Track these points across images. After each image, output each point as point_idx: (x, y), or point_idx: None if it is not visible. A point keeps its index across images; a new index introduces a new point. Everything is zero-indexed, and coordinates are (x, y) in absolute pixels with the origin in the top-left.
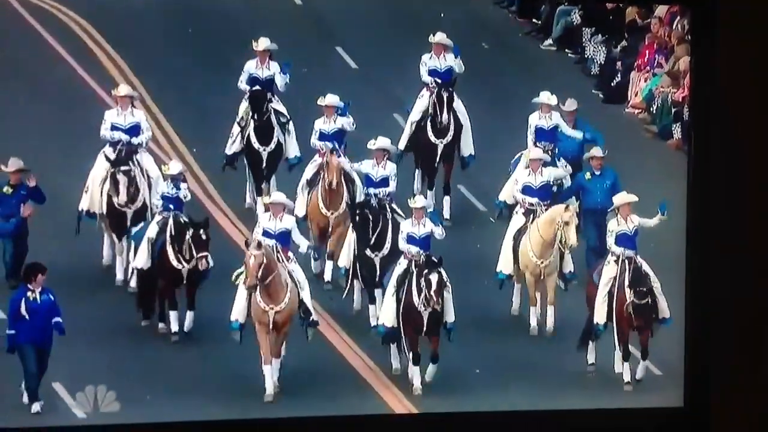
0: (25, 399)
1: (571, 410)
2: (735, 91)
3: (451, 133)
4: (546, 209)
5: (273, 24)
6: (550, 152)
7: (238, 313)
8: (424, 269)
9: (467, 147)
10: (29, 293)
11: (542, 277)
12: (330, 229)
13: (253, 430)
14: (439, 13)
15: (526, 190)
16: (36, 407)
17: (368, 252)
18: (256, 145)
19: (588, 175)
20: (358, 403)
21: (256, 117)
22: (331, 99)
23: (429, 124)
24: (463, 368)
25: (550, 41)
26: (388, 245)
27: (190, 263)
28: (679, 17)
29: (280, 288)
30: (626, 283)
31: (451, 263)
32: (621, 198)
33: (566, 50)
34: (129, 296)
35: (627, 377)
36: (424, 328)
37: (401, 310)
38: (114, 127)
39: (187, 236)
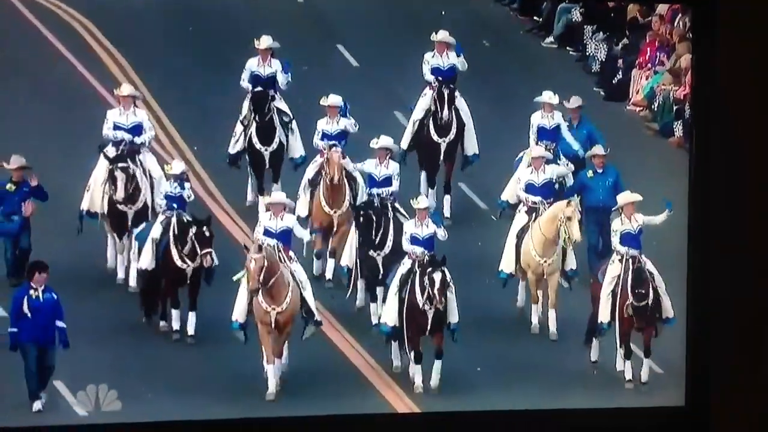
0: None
1: (572, 409)
2: (735, 91)
3: (453, 131)
4: (548, 207)
5: (274, 22)
6: (551, 151)
7: (238, 313)
8: (427, 268)
9: (471, 146)
10: (32, 291)
11: (544, 276)
12: (334, 228)
13: (254, 430)
14: (440, 11)
15: (529, 188)
16: (37, 405)
17: (370, 251)
18: (257, 145)
19: (590, 173)
20: (360, 402)
21: (257, 118)
22: (334, 99)
23: (431, 122)
24: (464, 367)
25: (551, 39)
26: (389, 245)
27: (194, 262)
28: (680, 15)
29: (282, 288)
30: (629, 283)
31: (452, 262)
32: (625, 197)
33: (567, 48)
34: (130, 295)
35: (628, 375)
36: (428, 328)
37: (404, 310)
38: (116, 127)
39: (191, 233)
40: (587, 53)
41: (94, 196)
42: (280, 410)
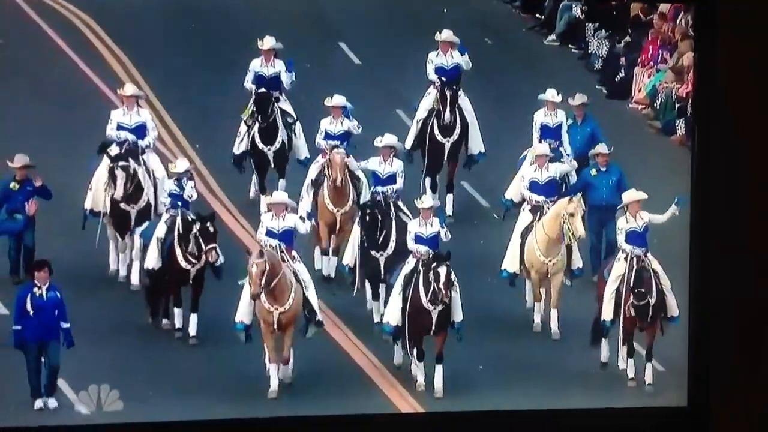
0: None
1: (574, 409)
2: (735, 91)
3: (457, 131)
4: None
5: (276, 20)
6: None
7: (243, 314)
8: (432, 263)
9: (476, 145)
10: (35, 289)
11: (548, 276)
12: (338, 227)
13: (257, 430)
14: (442, 9)
15: (533, 185)
16: (39, 404)
17: (372, 252)
18: (260, 145)
19: (593, 172)
20: (363, 401)
21: (260, 118)
22: (339, 100)
23: (435, 122)
24: (467, 367)
25: (553, 37)
26: (392, 245)
27: (199, 260)
28: (682, 13)
29: (285, 288)
30: (630, 282)
31: (454, 260)
32: (630, 195)
33: (570, 46)
34: (133, 295)
35: (631, 374)
36: (433, 327)
37: (407, 309)
38: (120, 127)
39: (194, 230)
40: (589, 51)
41: (97, 196)
42: (283, 410)
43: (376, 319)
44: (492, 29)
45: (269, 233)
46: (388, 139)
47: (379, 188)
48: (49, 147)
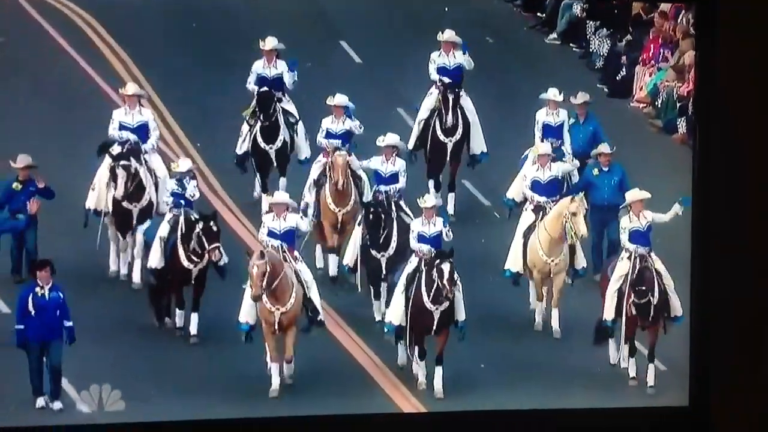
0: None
1: (575, 409)
2: (735, 91)
3: (459, 131)
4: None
5: (277, 19)
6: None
7: (246, 314)
8: (435, 260)
9: (478, 145)
10: (37, 289)
11: (550, 275)
12: (340, 226)
13: (258, 429)
14: (443, 8)
15: (535, 185)
16: (40, 402)
17: (374, 252)
18: (262, 144)
19: (596, 171)
20: (365, 401)
21: (262, 117)
22: (341, 99)
23: (437, 122)
24: (468, 366)
25: (554, 35)
26: (393, 246)
27: (202, 259)
28: (684, 11)
29: (286, 289)
30: (632, 281)
31: (455, 260)
32: (633, 195)
33: (571, 44)
34: (134, 294)
35: (632, 373)
36: (434, 327)
37: (410, 309)
38: (122, 127)
39: (198, 229)
40: (591, 50)
41: (99, 195)
42: (285, 410)
43: (377, 318)
44: (493, 28)
45: (271, 233)
46: (391, 138)
47: (382, 187)
48: (50, 146)
